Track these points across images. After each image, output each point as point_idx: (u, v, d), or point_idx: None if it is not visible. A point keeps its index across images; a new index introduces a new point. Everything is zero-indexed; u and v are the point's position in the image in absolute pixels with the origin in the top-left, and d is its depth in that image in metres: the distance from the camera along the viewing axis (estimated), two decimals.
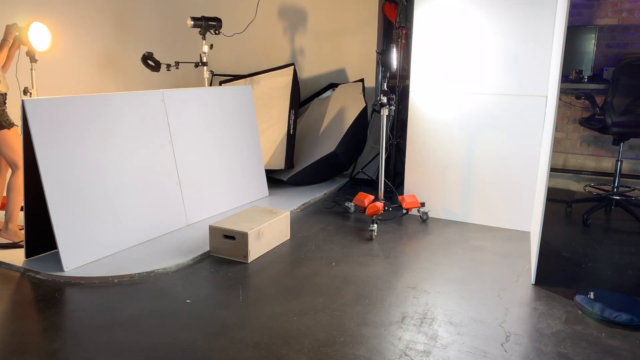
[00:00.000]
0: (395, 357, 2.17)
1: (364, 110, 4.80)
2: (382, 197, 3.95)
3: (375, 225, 3.62)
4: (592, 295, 2.59)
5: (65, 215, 2.95)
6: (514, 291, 2.79)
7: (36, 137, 2.86)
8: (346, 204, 4.21)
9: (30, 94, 3.64)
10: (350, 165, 5.07)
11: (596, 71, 4.65)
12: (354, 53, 5.15)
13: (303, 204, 4.36)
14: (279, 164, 4.74)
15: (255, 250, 3.22)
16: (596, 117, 4.00)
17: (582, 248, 3.43)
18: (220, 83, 5.48)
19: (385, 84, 3.82)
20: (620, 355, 2.19)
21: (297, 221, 3.96)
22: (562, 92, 4.76)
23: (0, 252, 3.20)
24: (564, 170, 5.00)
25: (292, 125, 4.84)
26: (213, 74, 5.63)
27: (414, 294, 2.76)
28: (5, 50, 3.33)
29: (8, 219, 3.27)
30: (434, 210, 4.09)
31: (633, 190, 4.54)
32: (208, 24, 4.57)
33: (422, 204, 4.01)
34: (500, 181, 3.81)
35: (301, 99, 5.38)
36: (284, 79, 5.11)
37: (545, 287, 2.83)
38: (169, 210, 3.61)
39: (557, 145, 5.00)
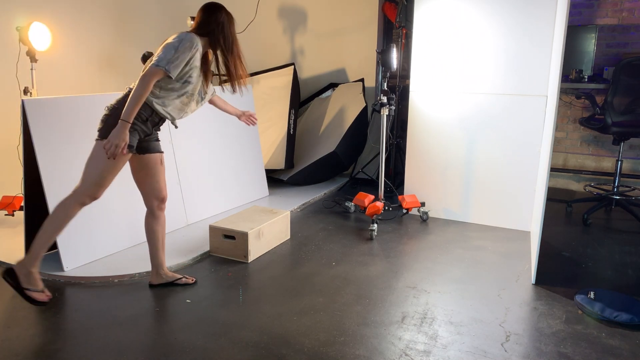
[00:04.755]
0: (396, 356, 2.17)
1: (364, 110, 4.80)
2: (382, 197, 3.95)
3: (376, 225, 3.62)
4: (592, 295, 2.58)
5: None
6: (514, 291, 2.79)
7: (36, 137, 2.85)
8: (346, 204, 4.21)
9: (31, 93, 3.64)
10: (351, 165, 5.07)
11: (596, 71, 4.64)
12: (354, 53, 5.14)
13: (303, 204, 4.35)
14: (279, 163, 4.74)
15: (255, 250, 3.22)
16: (596, 116, 4.00)
17: (582, 248, 3.43)
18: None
19: (385, 84, 3.82)
20: (620, 355, 2.19)
21: (297, 221, 3.96)
22: (562, 91, 4.76)
23: (0, 252, 3.20)
24: (564, 170, 5.00)
25: (292, 125, 4.84)
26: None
27: (414, 293, 2.76)
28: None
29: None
30: (434, 210, 4.09)
31: (633, 190, 4.54)
32: None
33: (422, 204, 4.01)
34: (501, 181, 3.81)
35: (301, 99, 5.38)
36: (284, 78, 5.11)
37: (545, 287, 2.83)
38: (169, 210, 3.57)
39: (557, 145, 5.00)
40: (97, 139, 2.43)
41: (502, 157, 3.77)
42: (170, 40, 2.41)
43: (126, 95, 2.41)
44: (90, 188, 2.43)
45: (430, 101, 3.96)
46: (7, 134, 4.01)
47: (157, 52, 2.40)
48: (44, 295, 2.47)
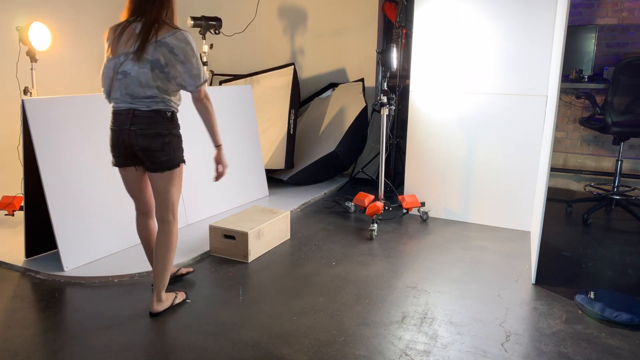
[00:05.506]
0: (396, 356, 2.17)
1: (364, 110, 4.80)
2: (382, 197, 3.95)
3: (376, 225, 3.62)
4: (592, 295, 2.58)
5: (65, 215, 2.95)
6: (514, 291, 2.79)
7: (36, 137, 2.85)
8: (346, 204, 4.21)
9: (31, 93, 3.64)
10: (351, 165, 5.07)
11: (596, 71, 4.64)
12: (354, 53, 5.14)
13: (303, 204, 4.35)
14: (279, 163, 4.74)
15: (255, 250, 3.22)
16: (596, 116, 4.00)
17: (582, 248, 3.43)
18: (220, 83, 5.48)
19: (386, 84, 3.82)
20: (620, 355, 2.19)
21: (297, 221, 3.96)
22: (562, 91, 4.76)
23: (0, 252, 3.20)
24: (564, 170, 5.00)
25: (292, 125, 4.84)
26: (213, 74, 5.63)
27: (414, 293, 2.76)
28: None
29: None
30: (434, 210, 4.09)
31: (633, 189, 4.54)
32: (208, 24, 4.56)
33: (422, 204, 4.01)
34: (501, 181, 3.81)
35: (301, 99, 5.38)
36: (284, 78, 5.11)
37: (545, 287, 2.83)
38: None
39: (557, 145, 5.00)
40: (164, 172, 2.38)
41: (502, 157, 3.77)
42: (187, 49, 2.32)
43: (151, 118, 2.31)
44: (175, 207, 2.51)
45: (430, 101, 3.96)
46: (7, 134, 4.01)
47: (187, 69, 2.32)
48: (181, 295, 2.65)
